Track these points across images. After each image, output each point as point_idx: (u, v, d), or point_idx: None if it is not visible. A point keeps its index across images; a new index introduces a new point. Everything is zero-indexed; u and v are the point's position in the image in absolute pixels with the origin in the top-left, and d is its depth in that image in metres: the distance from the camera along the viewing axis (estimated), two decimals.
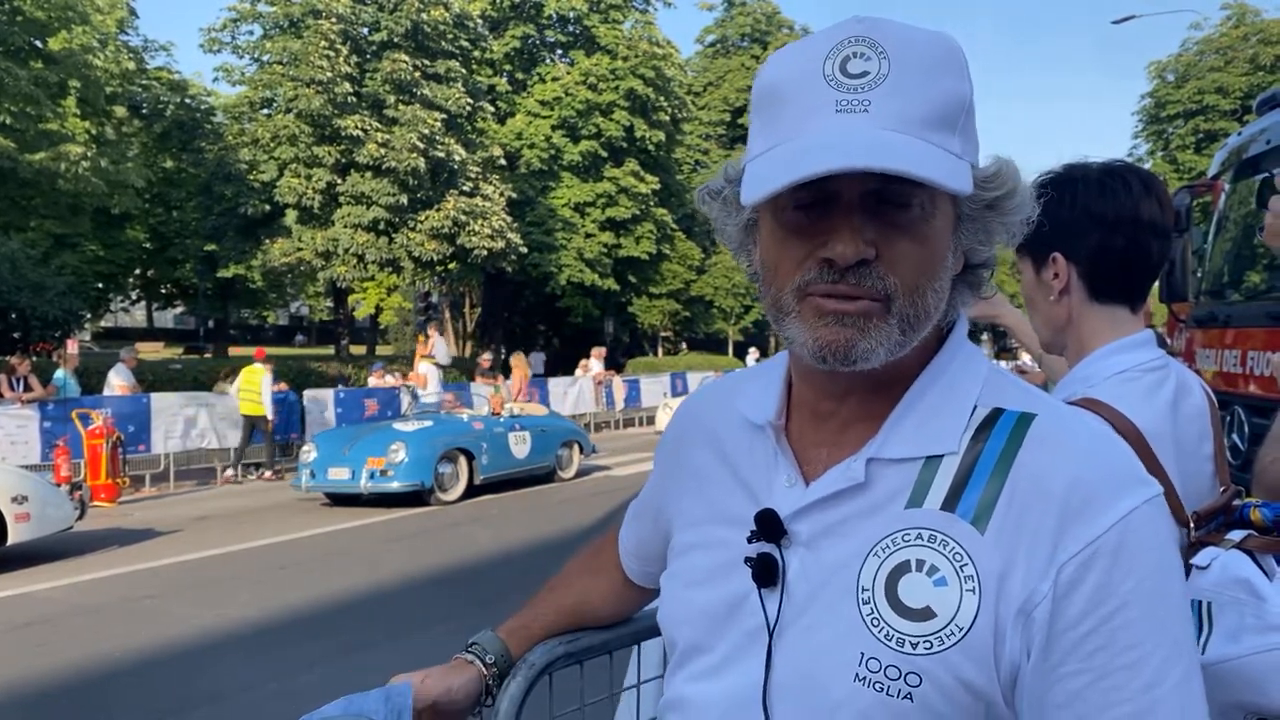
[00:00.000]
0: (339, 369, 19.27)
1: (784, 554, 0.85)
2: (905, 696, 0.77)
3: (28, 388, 12.61)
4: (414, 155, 24.71)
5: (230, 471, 14.06)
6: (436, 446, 11.28)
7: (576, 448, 13.68)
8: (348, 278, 26.65)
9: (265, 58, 27.88)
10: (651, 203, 32.83)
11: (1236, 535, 1.23)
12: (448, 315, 31.66)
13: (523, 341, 35.17)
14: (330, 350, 34.25)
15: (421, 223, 25.54)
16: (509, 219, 27.14)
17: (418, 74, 25.59)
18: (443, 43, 26.72)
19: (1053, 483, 0.78)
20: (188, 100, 29.92)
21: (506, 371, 17.32)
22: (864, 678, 0.78)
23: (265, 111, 27.80)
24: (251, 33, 28.61)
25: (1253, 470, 1.50)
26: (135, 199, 24.55)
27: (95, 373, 15.35)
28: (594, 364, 23.13)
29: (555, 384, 21.46)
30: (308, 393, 15.88)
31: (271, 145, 25.74)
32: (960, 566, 0.78)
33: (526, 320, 36.30)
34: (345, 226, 25.36)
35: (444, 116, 25.77)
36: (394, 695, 1.14)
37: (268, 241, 27.01)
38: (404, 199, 25.10)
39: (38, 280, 18.64)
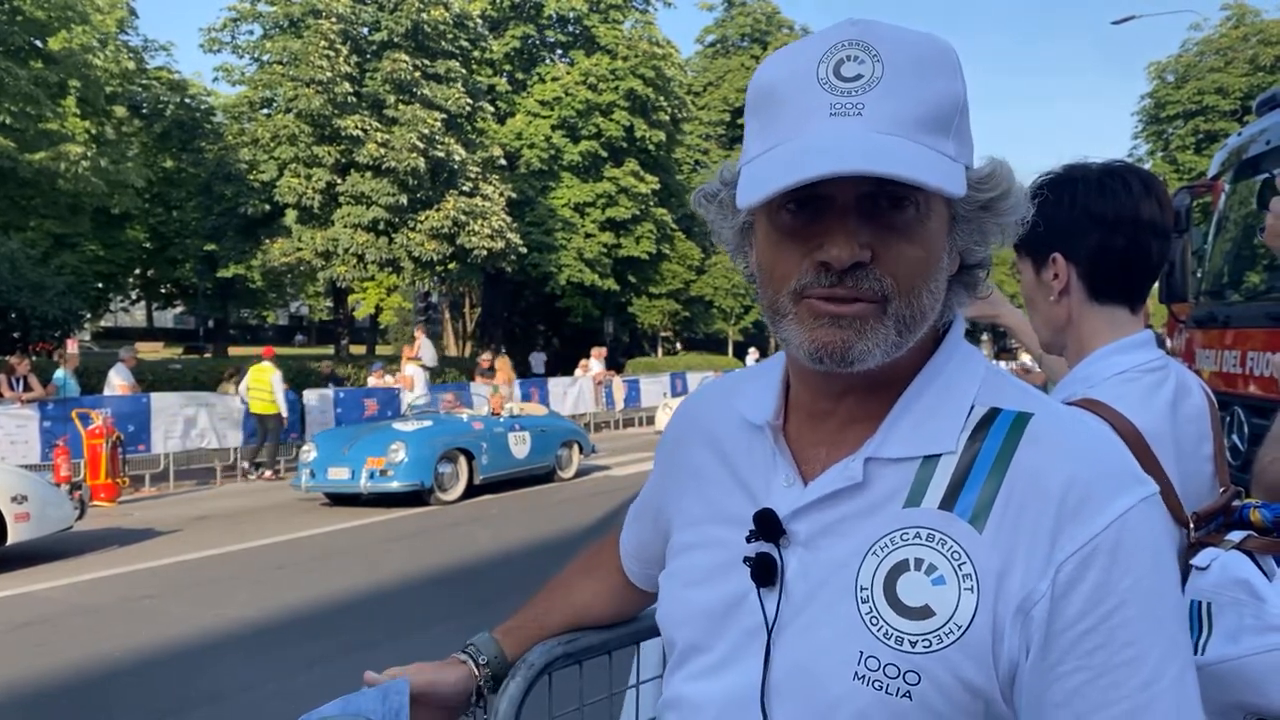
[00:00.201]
0: (331, 367, 19.23)
1: (782, 553, 0.85)
2: (904, 695, 0.77)
3: (27, 387, 12.61)
4: (414, 155, 24.71)
5: (245, 466, 14.11)
6: (436, 446, 11.28)
7: (576, 448, 13.69)
8: (347, 278, 26.66)
9: (265, 58, 27.89)
10: (651, 203, 32.84)
11: (1236, 536, 1.23)
12: (447, 315, 31.69)
13: (523, 341, 35.19)
14: (330, 350, 34.25)
15: (421, 223, 25.55)
16: (509, 219, 27.15)
17: (418, 74, 25.60)
18: (443, 43, 26.73)
19: (1050, 481, 0.78)
20: (188, 100, 29.91)
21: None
22: (863, 676, 0.79)
23: (265, 111, 27.81)
24: (251, 32, 28.64)
25: (1252, 471, 1.50)
26: (135, 199, 24.54)
27: (95, 372, 15.36)
28: (594, 364, 23.14)
29: (555, 384, 21.47)
30: (308, 392, 15.89)
31: (271, 145, 25.75)
32: (958, 565, 0.78)
33: (526, 320, 36.31)
34: (345, 226, 25.36)
35: (444, 116, 25.78)
36: (391, 693, 1.14)
37: (268, 241, 27.02)
38: (404, 199, 25.11)
39: (37, 280, 18.65)
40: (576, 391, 21.72)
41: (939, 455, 0.82)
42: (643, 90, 31.95)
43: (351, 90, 25.08)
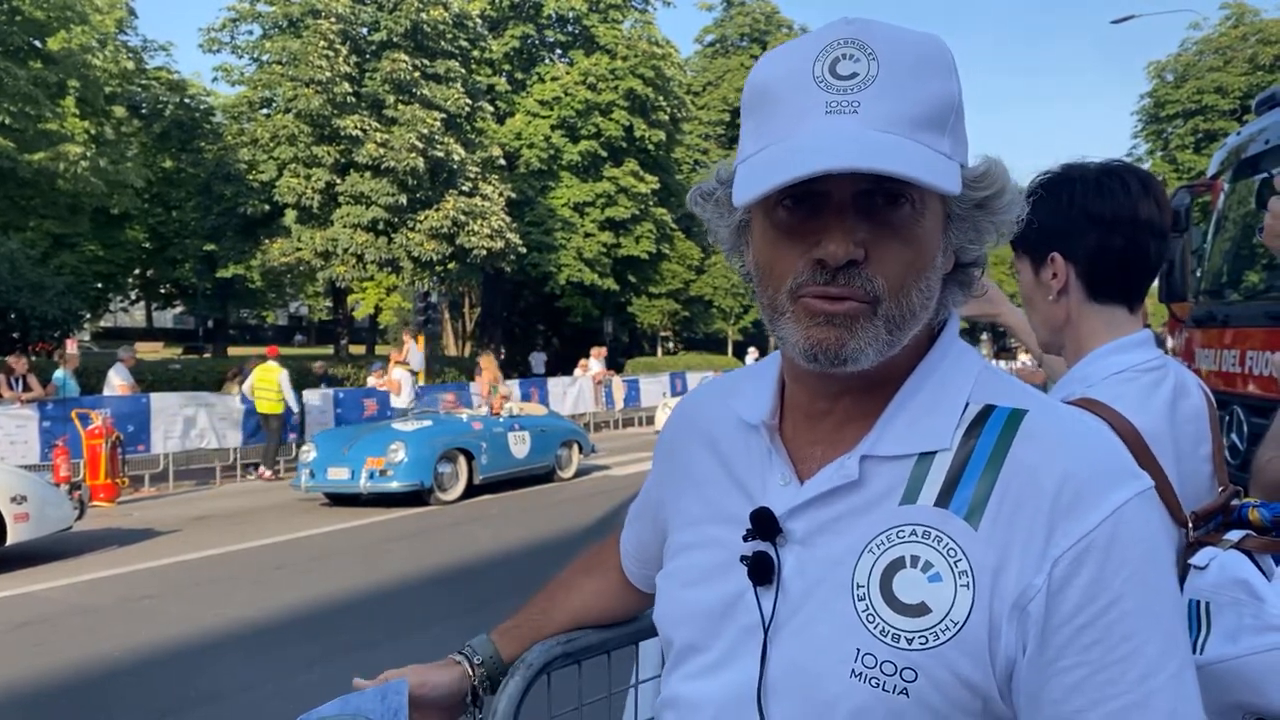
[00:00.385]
0: (325, 367, 19.21)
1: (779, 552, 0.85)
2: (901, 692, 0.77)
3: (26, 387, 12.61)
4: (413, 155, 24.71)
5: (260, 466, 14.11)
6: (436, 446, 11.28)
7: (576, 447, 13.69)
8: (347, 278, 26.66)
9: (264, 58, 27.90)
10: (651, 202, 32.85)
11: (1235, 535, 1.23)
12: (447, 315, 31.66)
13: (522, 341, 35.20)
14: (329, 350, 34.25)
15: (421, 223, 25.55)
16: (508, 219, 27.15)
17: (417, 74, 25.60)
18: (442, 43, 26.73)
19: (1045, 477, 0.78)
20: (187, 100, 29.91)
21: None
22: (860, 673, 0.79)
23: (264, 111, 27.82)
24: (251, 33, 28.65)
25: (1251, 470, 1.50)
26: (134, 199, 24.55)
27: (94, 372, 15.35)
28: (593, 364, 23.14)
29: (554, 384, 21.48)
30: (307, 392, 15.89)
31: (271, 145, 25.75)
32: (954, 562, 0.78)
33: (526, 320, 36.31)
34: (344, 226, 25.37)
35: (443, 116, 25.79)
36: (390, 693, 1.14)
37: (267, 241, 27.02)
38: (403, 199, 25.11)
39: (37, 280, 18.66)
40: (576, 391, 21.73)
41: (934, 452, 0.83)
42: (642, 90, 31.96)
43: (351, 90, 25.09)
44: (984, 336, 47.82)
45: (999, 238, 0.87)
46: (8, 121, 19.50)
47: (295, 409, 14.51)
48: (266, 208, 26.56)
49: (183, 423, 13.70)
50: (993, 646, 0.77)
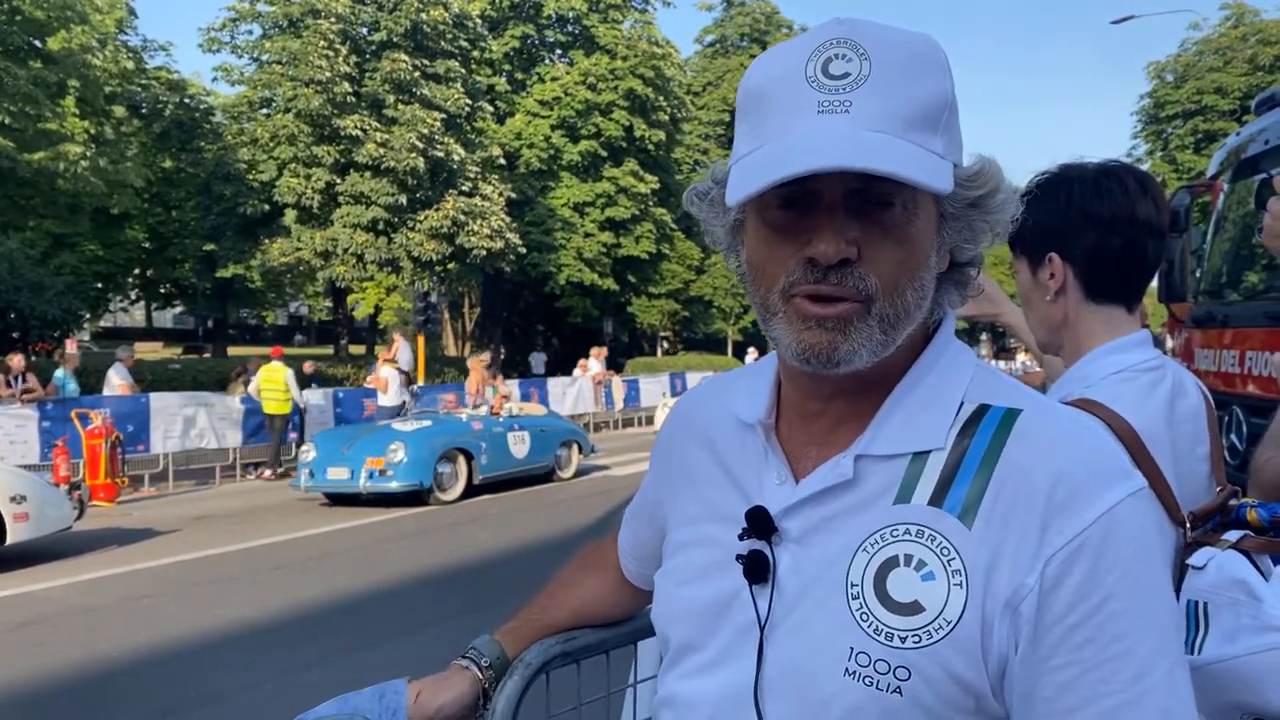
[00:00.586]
0: (315, 367, 19.21)
1: (774, 551, 0.85)
2: (895, 690, 0.78)
3: (25, 385, 12.61)
4: (413, 155, 24.72)
5: (269, 471, 14.14)
6: (435, 446, 11.28)
7: (575, 447, 13.69)
8: (347, 277, 26.67)
9: (264, 57, 27.91)
10: (651, 202, 32.85)
11: (1233, 535, 1.23)
12: (447, 315, 31.67)
13: (522, 341, 35.20)
14: (329, 349, 34.25)
15: (420, 223, 25.56)
16: (508, 219, 27.16)
17: (417, 74, 25.61)
18: (442, 43, 26.73)
19: (1038, 477, 0.78)
20: (187, 100, 29.91)
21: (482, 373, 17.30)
22: (854, 672, 0.79)
23: (264, 111, 27.83)
24: (250, 32, 28.66)
25: (1249, 470, 1.50)
26: (134, 199, 24.55)
27: (94, 372, 15.36)
28: (593, 364, 23.14)
29: (554, 384, 21.48)
30: (307, 392, 15.90)
31: (270, 145, 25.76)
32: (948, 561, 0.78)
33: (525, 320, 36.32)
34: (344, 226, 25.37)
35: (443, 116, 25.79)
36: (388, 693, 1.14)
37: (267, 241, 27.03)
38: (403, 199, 25.11)
39: (37, 280, 18.66)
40: (576, 391, 21.72)
41: (929, 452, 0.83)
42: (642, 90, 31.96)
43: (351, 90, 25.10)
44: (983, 337, 47.86)
45: (994, 237, 0.87)
46: (8, 121, 19.50)
47: (303, 406, 14.66)
48: (266, 208, 26.57)
49: (182, 422, 13.71)
50: (985, 645, 0.77)
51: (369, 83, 25.64)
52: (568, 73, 32.25)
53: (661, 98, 33.01)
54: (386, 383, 15.15)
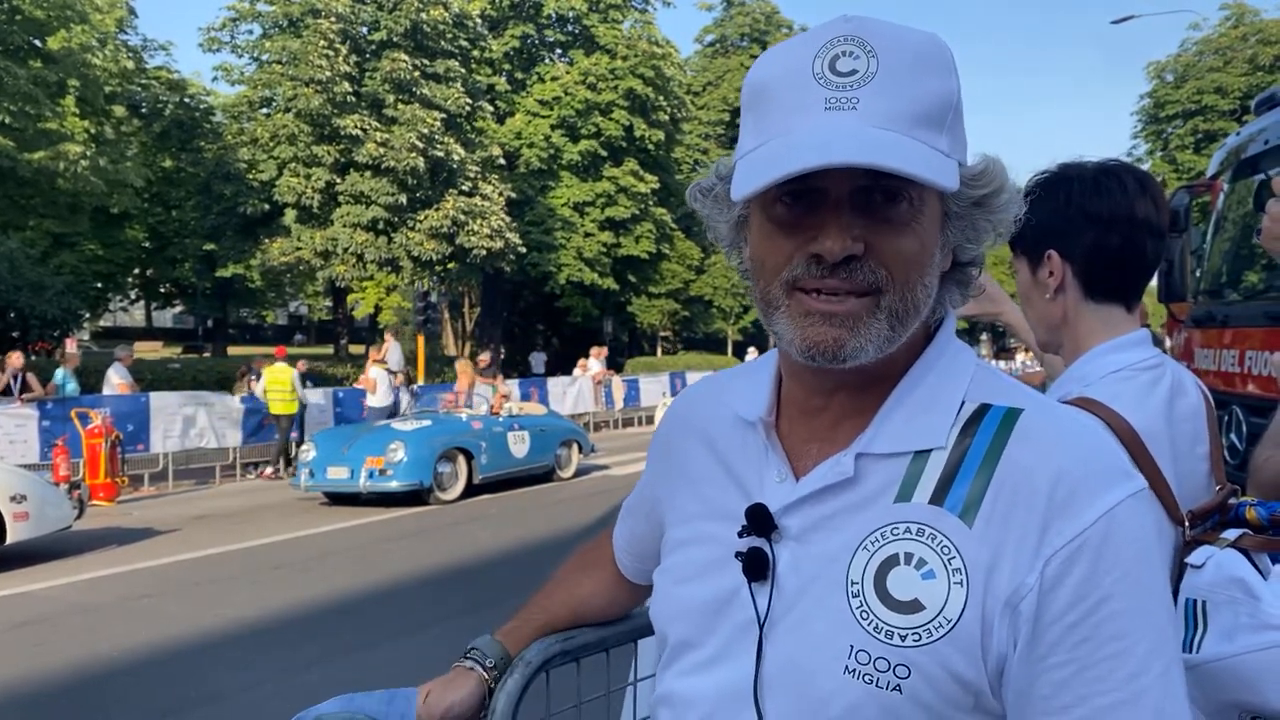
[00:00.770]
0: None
1: (774, 548, 0.86)
2: (894, 688, 0.78)
3: (25, 385, 12.61)
4: (413, 155, 24.72)
5: (270, 469, 14.19)
6: (435, 446, 11.28)
7: (575, 447, 13.69)
8: (347, 277, 26.67)
9: (264, 57, 27.91)
10: (651, 202, 32.85)
11: (1232, 534, 1.23)
12: (447, 315, 31.67)
13: (522, 341, 35.19)
14: (329, 349, 34.25)
15: (420, 222, 25.55)
16: (508, 219, 27.16)
17: (417, 73, 25.60)
18: (442, 42, 26.73)
19: (1039, 477, 0.78)
20: (187, 99, 29.92)
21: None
22: (854, 670, 0.79)
23: (264, 111, 27.82)
24: (251, 32, 28.66)
25: (1248, 469, 1.50)
26: (134, 198, 24.55)
27: (94, 372, 15.36)
28: (593, 363, 23.14)
29: (554, 383, 21.48)
30: (307, 392, 15.90)
31: (270, 144, 25.75)
32: (948, 560, 0.79)
33: (525, 320, 36.31)
34: (344, 226, 25.37)
35: (443, 116, 25.79)
36: (398, 698, 1.14)
37: (267, 241, 27.03)
38: (403, 198, 25.11)
39: (36, 279, 18.66)
40: (576, 391, 21.72)
41: (929, 450, 0.83)
42: (642, 90, 31.95)
43: (351, 90, 25.10)
44: (983, 336, 47.86)
45: (996, 237, 0.88)
46: (8, 121, 19.50)
47: (306, 404, 14.79)
48: (266, 207, 26.56)
49: (182, 422, 13.71)
50: (985, 643, 0.77)
51: (369, 82, 25.64)
52: (568, 72, 32.24)
53: (661, 98, 33.00)
54: (375, 383, 15.22)
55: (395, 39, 25.78)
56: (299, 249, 25.82)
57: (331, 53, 24.61)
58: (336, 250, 25.42)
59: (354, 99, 25.29)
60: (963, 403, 0.85)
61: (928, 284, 0.83)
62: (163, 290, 36.95)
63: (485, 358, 18.85)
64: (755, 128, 0.83)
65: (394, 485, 10.81)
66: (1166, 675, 0.77)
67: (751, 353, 33.57)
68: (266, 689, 5.03)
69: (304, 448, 11.85)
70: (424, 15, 25.83)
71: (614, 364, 27.60)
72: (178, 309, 42.01)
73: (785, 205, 0.80)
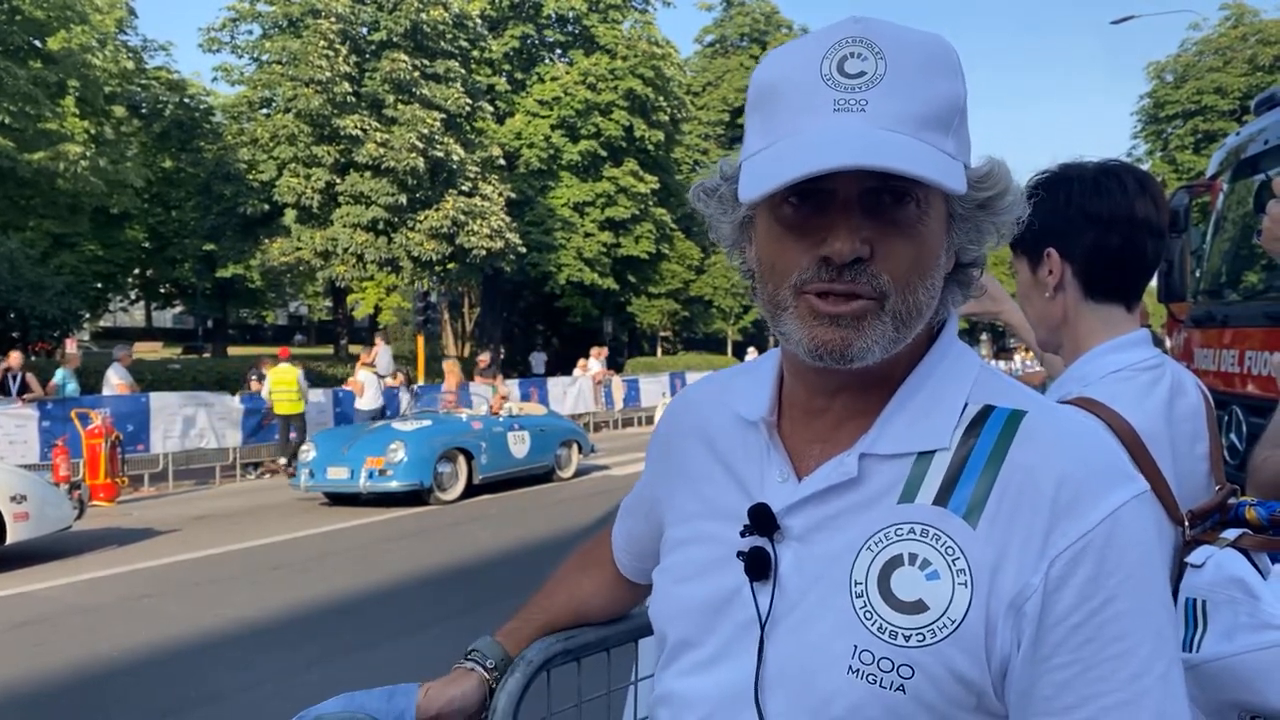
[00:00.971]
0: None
1: (776, 548, 0.86)
2: (898, 688, 0.78)
3: (23, 384, 12.61)
4: (413, 155, 24.71)
5: (284, 461, 14.23)
6: (435, 446, 11.28)
7: (575, 447, 13.69)
8: (346, 277, 26.67)
9: (264, 57, 27.91)
10: (650, 202, 32.85)
11: (1231, 534, 1.23)
12: (447, 315, 31.66)
13: (522, 341, 35.19)
14: (329, 350, 34.25)
15: (420, 222, 25.55)
16: (508, 219, 27.15)
17: (417, 74, 25.60)
18: (442, 42, 26.72)
19: (1043, 478, 0.79)
20: (187, 100, 29.91)
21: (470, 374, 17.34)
22: (857, 670, 0.79)
23: (264, 111, 27.82)
24: (250, 32, 28.65)
25: (1247, 468, 1.50)
26: (134, 198, 24.54)
27: (94, 372, 15.36)
28: (593, 363, 23.15)
29: (554, 384, 21.48)
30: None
31: (270, 145, 25.75)
32: (952, 560, 0.79)
33: (525, 320, 36.31)
34: (344, 226, 25.37)
35: (443, 116, 25.79)
36: (398, 695, 1.14)
37: (266, 241, 27.02)
38: (403, 199, 25.11)
39: (36, 280, 18.67)
40: (576, 391, 21.72)
41: (933, 451, 0.83)
42: (642, 90, 31.95)
43: (350, 90, 25.09)
44: (983, 337, 47.86)
45: (1000, 239, 0.88)
46: (8, 121, 19.50)
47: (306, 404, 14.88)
48: (266, 207, 26.56)
49: (182, 422, 13.72)
50: (989, 644, 0.78)
51: (369, 83, 25.64)
52: (567, 73, 32.24)
53: (661, 98, 33.00)
54: (363, 386, 15.27)
55: (395, 39, 25.78)
56: (299, 249, 25.82)
57: (331, 53, 24.61)
58: (336, 250, 25.42)
59: (354, 99, 25.28)
60: (966, 404, 0.85)
61: (932, 286, 0.83)
62: (163, 290, 36.95)
63: (485, 358, 18.85)
64: (762, 128, 0.83)
65: (394, 485, 10.81)
66: (1167, 676, 0.77)
67: (751, 353, 33.57)
68: (266, 689, 5.03)
69: (304, 448, 11.85)
70: (424, 15, 25.82)
71: (614, 364, 27.60)
72: (178, 309, 42.01)
73: (793, 206, 0.80)
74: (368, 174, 25.12)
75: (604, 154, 31.90)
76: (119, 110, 26.40)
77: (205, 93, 31.40)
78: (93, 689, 5.10)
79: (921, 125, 0.78)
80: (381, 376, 16.16)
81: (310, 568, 8.04)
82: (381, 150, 24.62)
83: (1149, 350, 1.41)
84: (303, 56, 24.69)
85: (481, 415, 12.52)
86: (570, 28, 33.91)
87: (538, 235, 29.89)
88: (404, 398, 15.99)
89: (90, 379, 15.09)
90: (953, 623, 0.78)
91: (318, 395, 15.95)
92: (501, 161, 29.28)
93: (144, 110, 28.53)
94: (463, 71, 27.48)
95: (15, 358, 12.85)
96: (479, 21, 28.93)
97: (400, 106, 25.38)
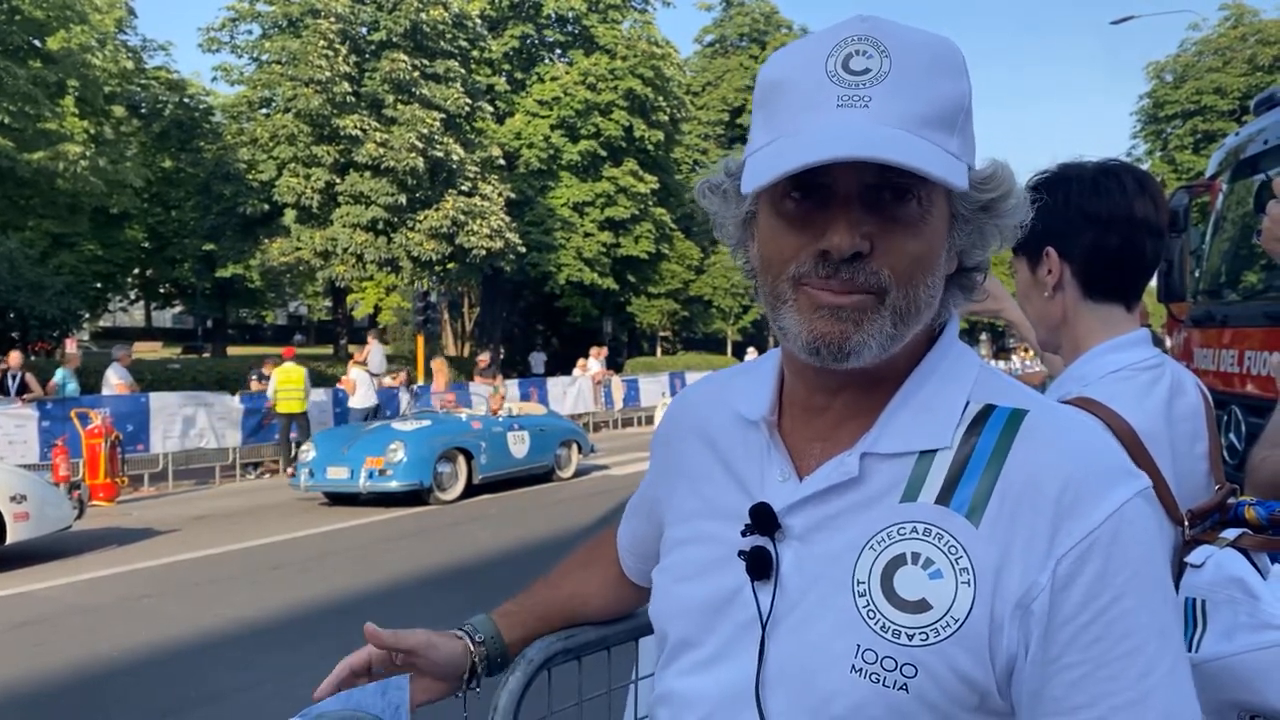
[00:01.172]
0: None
1: (777, 548, 0.86)
2: (901, 688, 0.78)
3: (23, 384, 12.60)
4: (413, 155, 24.71)
5: (283, 462, 14.22)
6: (435, 446, 11.28)
7: (575, 447, 13.69)
8: (346, 277, 26.66)
9: (264, 57, 27.91)
10: (650, 202, 32.84)
11: (1231, 533, 1.23)
12: (446, 315, 31.66)
13: (522, 341, 35.19)
14: (329, 349, 34.24)
15: (420, 222, 25.55)
16: (507, 219, 27.15)
17: (416, 74, 25.60)
18: (441, 42, 26.72)
19: (1045, 478, 0.79)
20: (186, 100, 29.91)
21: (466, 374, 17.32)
22: (860, 669, 0.79)
23: (264, 111, 27.82)
24: (250, 32, 28.66)
25: (1246, 468, 1.50)
26: (134, 198, 24.55)
27: (93, 372, 15.36)
28: (593, 363, 23.15)
29: (554, 383, 21.48)
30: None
31: (270, 145, 25.75)
32: (955, 559, 0.79)
33: (525, 320, 36.30)
34: (344, 226, 25.36)
35: (443, 116, 25.79)
36: (391, 689, 1.14)
37: (266, 241, 27.03)
38: (403, 199, 25.11)
39: (36, 280, 18.66)
40: (575, 391, 21.72)
41: (935, 451, 0.83)
42: (641, 90, 31.95)
43: (350, 90, 25.09)
44: (983, 337, 47.86)
45: (1003, 242, 0.88)
46: (7, 121, 19.50)
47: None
48: (266, 207, 26.56)
49: (182, 422, 13.72)
50: (993, 644, 0.78)
51: (369, 83, 25.63)
52: (567, 73, 32.24)
53: (661, 98, 33.00)
54: (355, 384, 15.29)
55: (395, 39, 25.78)
56: (299, 249, 25.82)
57: (331, 53, 24.61)
58: (336, 250, 25.41)
59: (354, 99, 25.28)
60: (967, 403, 0.85)
61: (932, 284, 0.83)
62: (162, 290, 36.95)
63: (485, 358, 18.84)
64: (766, 124, 0.83)
65: (394, 485, 10.81)
66: (1174, 673, 0.77)
67: (751, 353, 33.56)
68: (266, 689, 5.03)
69: (304, 448, 11.85)
70: (424, 15, 25.82)
71: (614, 364, 27.60)
72: (177, 309, 42.02)
73: (794, 201, 0.81)
74: (367, 174, 25.12)
75: (604, 154, 31.89)
76: (118, 110, 26.40)
77: (205, 93, 31.41)
78: (93, 689, 5.10)
79: (925, 124, 0.78)
80: (374, 375, 16.16)
81: (310, 568, 8.04)
82: (381, 150, 24.62)
83: (1148, 350, 1.41)
84: (302, 56, 24.69)
85: (481, 415, 12.53)
86: (570, 28, 33.91)
87: (537, 235, 29.89)
88: (404, 398, 15.99)
89: (90, 379, 15.08)
90: (956, 622, 0.78)
91: (318, 394, 15.97)
92: (501, 161, 29.28)
93: (143, 110, 28.53)
94: (462, 71, 27.48)
95: (15, 358, 12.85)
96: (479, 21, 28.93)
97: (400, 106, 25.38)
